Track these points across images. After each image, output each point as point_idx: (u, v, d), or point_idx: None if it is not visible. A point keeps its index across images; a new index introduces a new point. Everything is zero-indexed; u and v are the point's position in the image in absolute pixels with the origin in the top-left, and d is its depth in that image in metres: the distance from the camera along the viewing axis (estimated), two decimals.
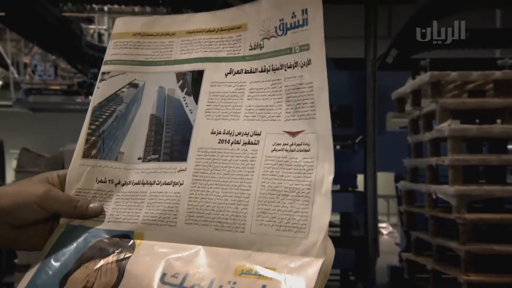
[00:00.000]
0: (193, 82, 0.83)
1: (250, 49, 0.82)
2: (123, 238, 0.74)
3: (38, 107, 11.27)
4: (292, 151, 0.71)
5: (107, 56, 0.88)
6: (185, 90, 0.83)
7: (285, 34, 0.78)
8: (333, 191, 0.68)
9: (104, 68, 0.87)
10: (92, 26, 11.15)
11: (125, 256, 0.72)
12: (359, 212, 4.60)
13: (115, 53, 0.88)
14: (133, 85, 0.85)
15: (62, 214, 0.77)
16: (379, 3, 4.85)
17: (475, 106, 3.06)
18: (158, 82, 0.84)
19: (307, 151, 0.70)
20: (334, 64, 5.55)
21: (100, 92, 0.85)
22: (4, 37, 10.82)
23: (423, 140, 3.54)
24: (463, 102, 3.14)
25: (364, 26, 4.89)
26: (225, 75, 0.81)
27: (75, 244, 0.74)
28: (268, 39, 0.80)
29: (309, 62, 0.74)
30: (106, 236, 0.75)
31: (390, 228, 10.28)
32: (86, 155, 0.82)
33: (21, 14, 5.80)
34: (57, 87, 10.93)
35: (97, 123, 0.84)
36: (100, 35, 11.15)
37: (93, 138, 0.82)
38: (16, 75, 10.95)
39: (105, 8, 8.73)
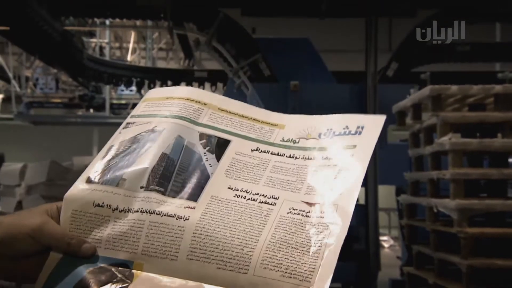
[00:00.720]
0: (217, 145, 0.83)
1: (281, 141, 0.83)
2: (121, 267, 0.73)
3: (39, 120, 11.31)
4: (308, 217, 0.72)
5: (136, 111, 0.90)
6: (207, 148, 0.83)
7: (330, 138, 0.79)
8: None
9: (129, 119, 0.89)
10: (93, 40, 11.23)
11: (123, 286, 0.71)
12: (360, 225, 4.58)
13: (144, 110, 0.90)
14: (153, 130, 0.85)
15: (54, 249, 0.75)
16: (379, 16, 4.88)
17: (475, 120, 3.07)
18: (179, 132, 0.84)
19: (322, 217, 0.71)
20: (335, 77, 5.58)
21: (121, 135, 0.86)
22: (6, 50, 10.88)
23: (424, 154, 3.54)
24: (463, 116, 3.14)
25: (365, 39, 4.92)
26: (251, 150, 0.82)
27: (71, 271, 0.73)
28: (307, 139, 0.81)
29: (351, 156, 0.76)
30: (103, 264, 0.73)
31: (392, 241, 10.23)
32: (89, 180, 0.80)
33: (23, 28, 5.83)
34: (58, 100, 10.98)
35: (109, 157, 0.83)
36: (101, 48, 11.21)
37: (101, 167, 0.82)
38: (18, 89, 11.00)
39: (107, 22, 8.78)
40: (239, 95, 5.70)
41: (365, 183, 4.44)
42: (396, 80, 5.55)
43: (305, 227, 0.71)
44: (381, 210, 5.86)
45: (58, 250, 0.74)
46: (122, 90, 11.53)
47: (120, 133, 0.87)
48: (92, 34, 11.18)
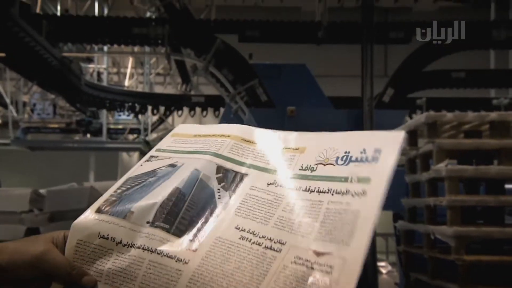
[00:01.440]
0: (233, 180, 0.82)
1: (299, 169, 0.80)
2: None
3: (36, 145, 11.29)
4: (313, 269, 0.68)
5: (161, 145, 0.91)
6: (222, 184, 0.82)
7: (346, 165, 0.76)
8: None
9: (154, 153, 0.90)
10: (91, 65, 11.29)
11: None
12: None
13: (170, 145, 0.91)
14: (172, 165, 0.86)
15: (55, 278, 0.75)
16: (374, 43, 4.94)
17: (471, 147, 3.07)
18: (196, 165, 0.84)
19: (328, 272, 0.67)
20: (332, 103, 5.62)
21: (142, 168, 0.87)
22: (4, 76, 10.93)
23: (421, 180, 3.54)
24: (459, 143, 3.15)
25: (361, 65, 4.96)
26: (267, 184, 0.80)
27: None
28: (324, 165, 0.79)
29: (363, 193, 0.72)
30: None
31: (389, 267, 10.13)
32: (99, 210, 0.81)
33: (21, 55, 5.87)
34: (56, 126, 10.99)
35: (123, 188, 0.84)
36: (99, 73, 11.28)
37: (113, 198, 0.82)
38: (15, 114, 11.01)
39: (105, 48, 8.87)
40: (236, 120, 5.72)
41: None
42: (392, 105, 5.59)
43: (306, 282, 0.67)
44: (378, 235, 5.82)
45: (59, 280, 0.75)
46: (119, 115, 11.56)
47: (141, 165, 0.88)
48: (90, 60, 11.26)
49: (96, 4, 10.40)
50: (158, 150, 0.91)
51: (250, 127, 0.90)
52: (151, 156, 0.89)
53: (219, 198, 0.80)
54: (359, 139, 0.78)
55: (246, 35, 6.17)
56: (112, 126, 11.52)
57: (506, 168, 2.94)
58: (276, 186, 0.79)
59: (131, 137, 11.38)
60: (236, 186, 0.81)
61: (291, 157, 0.83)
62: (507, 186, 3.53)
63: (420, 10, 8.10)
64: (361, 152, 0.75)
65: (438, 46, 5.70)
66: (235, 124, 0.92)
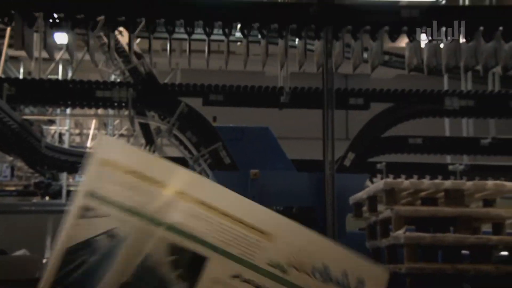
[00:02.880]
0: (190, 266, 0.72)
1: (268, 264, 0.72)
2: None
3: None
4: None
5: (93, 182, 0.78)
6: (179, 271, 0.72)
7: (325, 283, 0.69)
8: None
9: (88, 199, 0.78)
10: (53, 127, 11.17)
11: None
12: None
13: (104, 186, 0.79)
14: (111, 235, 0.75)
15: None
16: (335, 109, 5.08)
17: (428, 214, 3.14)
18: (145, 246, 0.73)
19: None
20: (294, 165, 5.68)
21: (76, 231, 0.77)
22: None
23: (381, 246, 3.57)
24: (416, 210, 3.22)
25: (322, 129, 5.07)
26: (232, 276, 0.72)
27: None
28: (298, 271, 0.71)
29: None
30: None
31: None
32: None
33: None
34: (13, 188, 10.69)
35: (65, 270, 0.76)
36: (61, 135, 11.15)
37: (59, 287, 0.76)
38: None
39: (68, 110, 8.83)
40: None
41: None
42: (353, 169, 5.68)
43: None
44: None
45: None
46: (80, 177, 11.33)
47: (77, 225, 0.77)
48: (52, 122, 11.15)
49: (60, 67, 10.42)
50: (93, 195, 0.79)
51: (202, 178, 0.80)
52: (86, 208, 0.78)
53: None
54: (339, 257, 0.72)
55: (210, 99, 6.26)
56: (72, 188, 11.27)
57: (462, 237, 3.01)
58: (242, 281, 0.72)
59: None
60: (194, 274, 0.71)
61: (257, 242, 0.74)
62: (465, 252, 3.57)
63: (378, 77, 8.43)
64: (342, 275, 0.70)
65: (395, 113, 5.91)
66: (178, 167, 0.80)
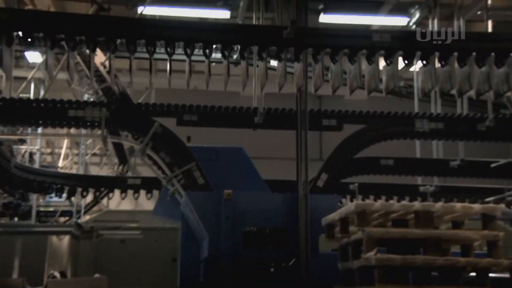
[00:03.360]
0: None
1: None
2: None
3: None
4: None
5: None
6: None
7: None
8: None
9: None
10: (23, 146, 10.96)
11: None
12: None
13: None
14: None
15: None
16: (308, 130, 5.12)
17: (398, 235, 3.18)
18: None
19: None
20: (268, 186, 5.69)
21: None
22: None
23: (352, 267, 3.58)
24: (387, 232, 3.26)
25: (296, 149, 5.11)
26: None
27: None
28: None
29: None
30: None
31: None
32: None
33: None
34: None
35: None
36: (31, 154, 10.95)
37: None
38: None
39: (39, 129, 8.69)
40: (173, 203, 5.65)
41: None
42: (326, 190, 5.72)
43: None
44: None
45: None
46: (51, 197, 11.11)
47: None
48: (22, 141, 10.94)
49: (32, 86, 10.27)
50: None
51: None
52: None
53: None
54: None
55: (184, 119, 6.25)
56: (42, 209, 11.02)
57: (432, 258, 3.05)
58: None
59: (62, 219, 10.90)
60: None
61: None
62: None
63: (352, 99, 8.55)
64: None
65: (368, 135, 6.00)
66: None
